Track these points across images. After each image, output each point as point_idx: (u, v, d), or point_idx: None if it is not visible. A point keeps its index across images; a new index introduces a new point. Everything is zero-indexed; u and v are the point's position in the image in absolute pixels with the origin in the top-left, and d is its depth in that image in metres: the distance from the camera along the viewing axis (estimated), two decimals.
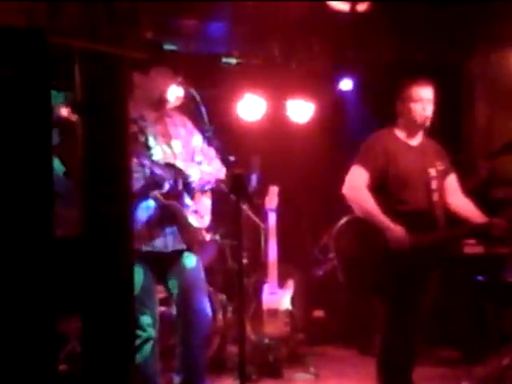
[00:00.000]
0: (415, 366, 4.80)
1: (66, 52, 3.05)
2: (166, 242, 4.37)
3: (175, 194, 4.37)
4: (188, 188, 4.44)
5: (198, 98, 4.38)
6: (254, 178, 6.39)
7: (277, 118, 7.65)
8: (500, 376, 5.30)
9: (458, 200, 4.81)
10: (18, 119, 2.74)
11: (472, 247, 6.22)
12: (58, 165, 4.17)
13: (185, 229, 4.43)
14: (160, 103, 4.48)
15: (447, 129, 4.95)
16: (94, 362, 3.08)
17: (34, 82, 2.77)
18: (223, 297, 6.33)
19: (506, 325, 6.35)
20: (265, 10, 6.15)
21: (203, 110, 4.35)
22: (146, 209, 4.29)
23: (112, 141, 3.13)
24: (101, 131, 3.10)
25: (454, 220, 4.77)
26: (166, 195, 4.32)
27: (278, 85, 7.55)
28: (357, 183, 4.61)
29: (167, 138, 4.49)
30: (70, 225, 3.22)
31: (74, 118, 3.63)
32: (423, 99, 4.67)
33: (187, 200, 4.43)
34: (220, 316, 6.08)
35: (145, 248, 4.29)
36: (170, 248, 4.40)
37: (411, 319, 4.61)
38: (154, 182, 4.28)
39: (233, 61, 7.33)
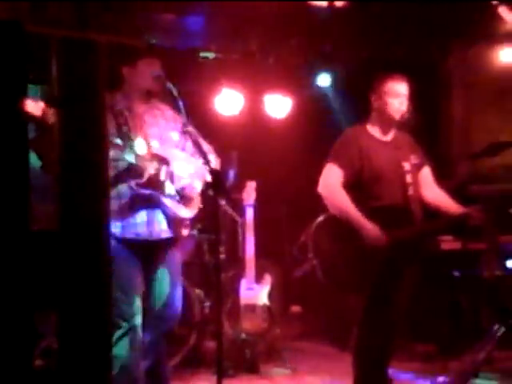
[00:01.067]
0: (391, 361, 4.82)
1: (43, 45, 3.03)
2: (150, 229, 4.36)
3: (156, 184, 4.35)
4: (172, 178, 4.44)
5: (175, 92, 4.37)
6: (231, 173, 6.39)
7: (254, 113, 7.66)
8: (476, 370, 5.32)
9: (433, 192, 4.83)
10: None
11: (449, 243, 6.25)
12: (34, 159, 4.14)
13: (168, 218, 4.43)
14: (148, 95, 4.49)
15: (425, 126, 4.96)
16: (70, 358, 3.06)
17: (11, 74, 2.75)
18: (200, 292, 6.32)
19: (481, 319, 6.39)
20: (243, 4, 6.13)
21: (181, 104, 4.34)
22: (117, 197, 4.29)
23: (89, 134, 3.10)
24: (77, 125, 3.08)
25: (431, 214, 4.79)
26: (146, 184, 4.30)
27: (255, 79, 7.56)
28: (331, 181, 4.62)
29: (155, 129, 4.48)
30: (46, 219, 3.20)
31: (50, 116, 3.63)
32: (399, 94, 4.69)
33: (170, 189, 4.42)
34: (197, 311, 6.07)
35: (128, 235, 4.29)
36: (155, 236, 4.38)
37: (388, 315, 4.63)
38: (132, 172, 4.27)
39: (210, 55, 7.31)
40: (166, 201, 4.39)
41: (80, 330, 3.06)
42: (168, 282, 4.50)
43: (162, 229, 4.40)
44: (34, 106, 3.69)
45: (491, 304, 6.29)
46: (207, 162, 4.10)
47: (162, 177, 4.37)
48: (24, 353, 2.82)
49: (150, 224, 4.36)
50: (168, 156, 4.43)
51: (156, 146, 4.43)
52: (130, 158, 4.24)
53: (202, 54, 7.30)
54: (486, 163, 6.61)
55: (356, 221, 4.51)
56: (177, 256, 4.60)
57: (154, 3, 6.14)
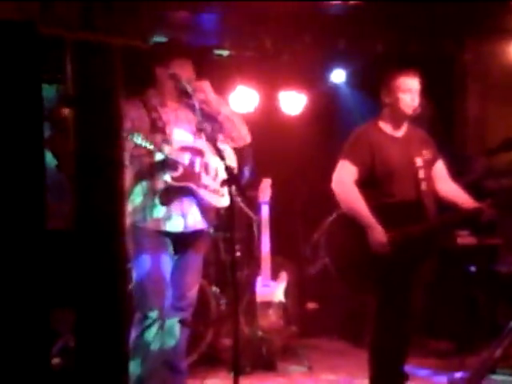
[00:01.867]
0: (408, 358, 4.81)
1: (58, 45, 3.04)
2: (185, 222, 4.44)
3: (192, 176, 4.44)
4: (207, 169, 4.49)
5: (190, 90, 4.38)
6: (246, 171, 6.38)
7: (269, 110, 7.64)
8: (493, 367, 5.30)
9: (446, 186, 4.82)
10: (9, 113, 2.73)
11: (465, 238, 6.23)
12: (49, 158, 4.16)
13: (204, 208, 4.49)
14: (181, 95, 4.54)
15: (440, 122, 4.95)
16: (87, 356, 3.07)
17: (26, 74, 2.76)
18: (216, 289, 6.33)
19: (498, 315, 6.37)
20: (256, 1, 6.13)
21: (196, 102, 4.36)
22: (152, 190, 4.39)
23: (104, 133, 3.11)
24: (93, 124, 3.09)
25: (445, 208, 4.78)
26: (181, 177, 4.40)
27: (270, 76, 7.55)
28: (344, 178, 4.62)
29: (187, 124, 4.56)
30: (62, 218, 3.21)
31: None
32: (411, 89, 4.68)
33: (206, 180, 4.48)
34: (213, 309, 6.07)
35: (163, 228, 4.37)
36: (190, 228, 4.46)
37: (403, 311, 4.62)
38: (167, 165, 4.37)
39: (225, 53, 7.31)
40: (202, 192, 4.45)
41: (97, 328, 3.08)
42: (190, 272, 4.57)
43: (196, 220, 4.48)
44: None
45: (507, 300, 6.27)
46: (223, 159, 4.12)
47: (197, 168, 4.43)
48: (41, 352, 2.83)
49: (185, 216, 4.41)
50: (202, 148, 4.50)
51: (190, 139, 4.51)
52: (165, 151, 4.34)
53: (217, 52, 7.30)
54: (501, 158, 6.58)
55: (365, 221, 4.50)
56: (202, 249, 4.63)
57: (168, 2, 6.16)
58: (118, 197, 3.21)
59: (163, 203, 4.37)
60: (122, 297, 3.23)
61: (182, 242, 4.49)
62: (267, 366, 6.09)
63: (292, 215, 8.12)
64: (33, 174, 2.79)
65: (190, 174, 4.45)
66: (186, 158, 4.44)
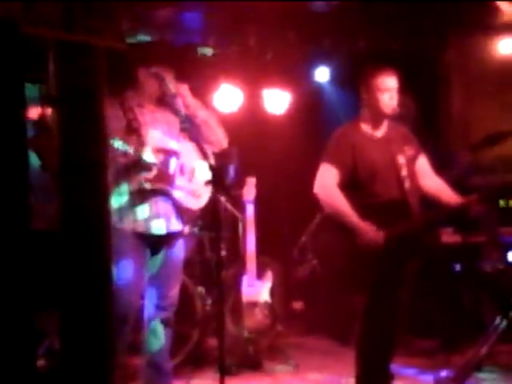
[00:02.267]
0: (394, 357, 4.81)
1: (40, 44, 3.01)
2: (159, 223, 4.42)
3: (166, 177, 4.42)
4: (182, 170, 4.47)
5: (173, 90, 4.38)
6: (231, 170, 6.37)
7: (253, 109, 7.64)
8: (479, 365, 5.32)
9: (430, 181, 4.82)
10: None
11: (449, 236, 6.24)
12: (33, 158, 4.13)
13: (179, 210, 4.48)
14: (160, 98, 4.56)
15: (424, 118, 4.95)
16: (72, 357, 3.06)
17: (8, 74, 2.73)
18: (202, 289, 6.31)
19: (483, 313, 6.38)
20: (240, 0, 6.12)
21: (179, 101, 4.35)
22: (125, 192, 4.37)
23: (88, 133, 3.10)
24: (76, 124, 3.07)
25: (429, 206, 4.78)
26: (155, 179, 4.38)
27: (254, 75, 7.54)
28: (326, 182, 4.61)
29: (165, 125, 4.55)
30: (47, 218, 3.19)
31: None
32: (389, 88, 4.67)
33: (181, 181, 4.47)
34: (199, 309, 6.06)
35: (137, 229, 4.36)
36: (165, 230, 4.45)
37: (389, 310, 4.62)
38: (141, 167, 4.35)
39: (208, 51, 7.30)
40: (176, 193, 4.43)
41: (82, 329, 3.06)
42: (169, 272, 4.56)
43: (171, 222, 4.47)
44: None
45: (493, 297, 6.28)
46: (206, 158, 4.11)
47: (172, 170, 4.42)
48: (26, 353, 2.81)
49: (160, 218, 4.39)
50: (178, 149, 4.50)
51: (166, 140, 4.50)
52: (139, 153, 4.32)
53: (200, 51, 7.28)
54: (485, 154, 6.60)
55: (351, 222, 4.50)
56: (181, 249, 4.62)
57: (151, 1, 6.14)
58: (102, 197, 3.19)
59: (136, 204, 4.35)
60: (107, 297, 3.21)
61: (159, 243, 4.49)
62: (253, 365, 6.08)
63: (277, 214, 8.12)
64: (16, 174, 2.77)
65: (164, 175, 4.43)
66: (160, 160, 4.42)
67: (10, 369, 2.74)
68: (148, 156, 4.35)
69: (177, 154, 4.51)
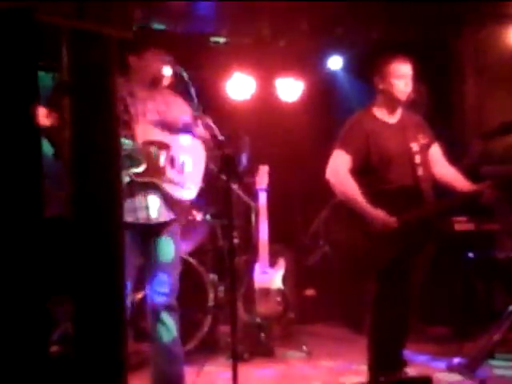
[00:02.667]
0: (406, 343, 4.83)
1: (53, 32, 3.03)
2: (148, 214, 4.40)
3: (156, 170, 4.41)
4: (172, 162, 4.47)
5: (186, 77, 4.37)
6: (244, 158, 6.38)
7: (266, 97, 7.64)
8: (491, 352, 5.32)
9: (443, 169, 4.82)
10: (4, 101, 2.72)
11: (463, 224, 6.23)
12: (46, 146, 4.15)
13: (168, 202, 4.47)
14: (153, 84, 4.53)
15: (438, 107, 4.95)
16: (85, 344, 3.08)
17: (22, 62, 2.75)
18: (214, 277, 6.34)
19: (496, 301, 6.38)
20: None
21: (192, 89, 4.35)
22: None
23: (100, 121, 3.10)
24: (89, 111, 3.08)
25: (443, 194, 4.78)
26: (145, 173, 4.37)
27: (267, 63, 7.53)
28: (339, 168, 4.62)
29: (156, 115, 4.50)
30: (60, 206, 3.21)
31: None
32: (404, 75, 4.68)
33: (171, 173, 4.46)
34: (211, 296, 6.09)
35: (130, 220, 4.33)
36: (154, 221, 4.43)
37: (401, 296, 4.63)
38: (130, 161, 4.32)
39: (221, 40, 7.30)
40: (166, 186, 4.44)
41: (95, 315, 3.08)
42: (162, 259, 4.53)
43: (160, 213, 4.45)
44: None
45: (505, 285, 6.28)
46: (220, 147, 4.10)
47: (162, 162, 4.41)
48: (40, 340, 2.84)
49: (148, 209, 4.40)
50: (169, 141, 4.48)
51: (157, 133, 4.47)
52: (129, 146, 4.30)
53: (213, 39, 7.29)
54: (498, 143, 6.59)
55: (361, 209, 4.51)
56: (174, 238, 4.61)
57: None
58: (115, 184, 3.20)
59: (126, 197, 4.35)
60: (120, 284, 3.23)
61: (148, 232, 4.46)
62: (265, 352, 6.11)
63: (290, 202, 8.13)
64: (29, 162, 2.78)
65: (154, 168, 4.40)
66: (150, 152, 4.39)
67: (23, 355, 2.76)
68: (138, 150, 4.33)
69: (168, 147, 4.47)
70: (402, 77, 4.66)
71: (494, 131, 5.57)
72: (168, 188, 4.46)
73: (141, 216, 4.40)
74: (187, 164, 4.56)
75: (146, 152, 4.38)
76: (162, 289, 4.52)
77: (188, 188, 4.57)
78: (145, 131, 4.42)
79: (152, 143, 4.42)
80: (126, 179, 4.34)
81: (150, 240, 4.50)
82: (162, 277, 4.53)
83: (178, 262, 4.66)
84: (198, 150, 4.66)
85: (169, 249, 4.56)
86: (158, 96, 4.56)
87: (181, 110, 4.59)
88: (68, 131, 3.06)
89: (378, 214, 4.47)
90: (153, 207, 4.43)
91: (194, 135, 4.59)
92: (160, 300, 4.51)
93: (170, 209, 4.50)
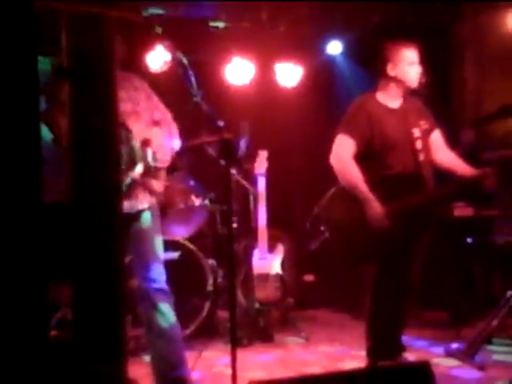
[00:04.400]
0: (404, 329, 4.84)
1: (52, 16, 3.01)
2: (130, 204, 4.35)
3: (147, 170, 4.36)
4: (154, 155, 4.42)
5: (185, 62, 4.35)
6: (243, 143, 6.38)
7: (265, 82, 7.62)
8: (489, 337, 5.34)
9: (444, 155, 4.82)
10: (3, 86, 2.71)
11: (461, 209, 6.23)
12: (45, 132, 4.14)
13: (146, 189, 4.43)
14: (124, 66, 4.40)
15: (437, 92, 4.94)
16: (85, 329, 3.08)
17: (21, 46, 2.74)
18: (213, 262, 6.35)
19: (494, 286, 6.40)
20: None
21: (191, 74, 4.33)
22: None
23: (100, 106, 3.09)
24: (88, 96, 3.07)
25: (443, 180, 4.78)
26: (142, 175, 4.35)
27: (266, 48, 7.51)
28: (343, 153, 4.61)
29: (128, 104, 4.42)
30: (59, 192, 3.21)
31: None
32: (415, 62, 4.67)
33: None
34: (210, 281, 6.09)
35: None
36: (135, 209, 4.39)
37: (399, 282, 4.64)
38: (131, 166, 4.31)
39: (220, 24, 7.28)
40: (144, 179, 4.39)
41: (94, 300, 3.08)
42: (144, 245, 4.49)
43: (139, 200, 4.40)
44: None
45: (504, 270, 6.29)
46: (219, 130, 4.09)
47: (150, 161, 4.37)
48: (39, 324, 2.84)
49: (130, 199, 4.35)
50: (148, 135, 4.40)
51: (144, 129, 4.39)
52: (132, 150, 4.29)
53: (212, 24, 7.26)
54: (499, 127, 6.58)
55: (362, 196, 4.51)
56: (151, 222, 4.55)
57: None
58: (114, 170, 3.20)
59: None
60: (119, 268, 3.23)
61: (128, 221, 4.37)
62: (264, 337, 6.13)
63: (288, 187, 8.13)
64: (28, 148, 2.78)
65: (146, 169, 4.36)
66: (145, 150, 4.36)
67: (22, 340, 2.77)
68: (137, 152, 4.30)
69: (150, 143, 4.40)
70: (413, 63, 4.66)
71: (491, 115, 5.55)
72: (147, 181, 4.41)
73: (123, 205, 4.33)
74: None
75: (142, 151, 4.34)
76: (149, 274, 4.47)
77: (160, 178, 4.47)
78: (138, 130, 4.36)
79: (144, 142, 4.36)
80: (128, 181, 4.31)
81: (127, 228, 4.43)
82: (146, 262, 4.48)
83: (157, 246, 4.58)
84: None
85: (146, 234, 4.50)
86: (125, 83, 4.42)
87: (149, 96, 4.52)
88: (67, 116, 3.05)
89: (376, 209, 4.47)
90: (134, 197, 4.36)
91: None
92: (150, 285, 4.48)
93: (146, 195, 4.45)
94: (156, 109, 4.52)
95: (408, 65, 4.65)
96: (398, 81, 4.68)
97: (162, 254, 4.57)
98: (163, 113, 4.57)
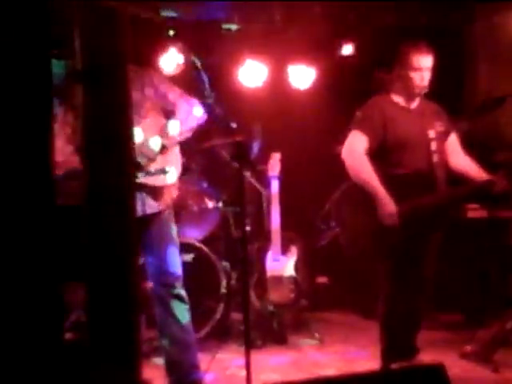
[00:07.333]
0: (419, 330, 4.83)
1: (66, 19, 3.02)
2: (142, 207, 4.35)
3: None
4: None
5: (198, 64, 4.36)
6: (256, 145, 6.38)
7: (278, 84, 7.61)
8: (504, 340, 5.31)
9: (458, 159, 4.81)
10: (18, 89, 2.72)
11: (475, 211, 6.21)
12: None
13: (152, 192, 4.41)
14: None
15: (449, 93, 4.93)
16: (99, 330, 3.09)
17: (35, 49, 2.75)
18: (227, 264, 6.35)
19: (509, 289, 6.37)
20: None
21: (204, 76, 4.33)
22: None
23: (113, 108, 3.10)
24: (102, 98, 3.07)
25: (457, 182, 4.78)
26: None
27: (279, 50, 7.51)
28: (356, 148, 4.61)
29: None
30: (72, 195, 3.22)
31: None
32: (423, 68, 4.65)
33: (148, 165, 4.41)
34: (224, 283, 6.09)
35: None
36: (141, 213, 4.36)
37: (413, 283, 4.63)
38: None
39: (233, 27, 7.28)
40: (144, 180, 4.37)
41: (108, 302, 3.09)
42: (159, 250, 4.50)
43: (147, 205, 4.39)
44: None
45: None
46: (232, 133, 4.08)
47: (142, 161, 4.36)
48: (54, 327, 2.85)
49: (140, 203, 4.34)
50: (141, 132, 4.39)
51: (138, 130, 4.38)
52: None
53: (225, 26, 7.27)
54: (508, 129, 6.56)
55: (375, 192, 4.50)
56: (167, 226, 4.56)
57: None
58: (127, 172, 3.21)
59: None
60: (133, 271, 3.23)
61: (140, 225, 4.30)
62: (278, 339, 6.12)
63: (302, 189, 8.12)
64: (42, 151, 2.79)
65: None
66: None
67: (37, 342, 2.78)
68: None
69: (174, 113, 4.41)
70: (419, 69, 4.64)
71: (477, 109, 5.54)
72: (147, 180, 4.39)
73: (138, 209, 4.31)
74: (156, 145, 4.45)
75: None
76: (166, 279, 4.48)
77: (167, 172, 4.45)
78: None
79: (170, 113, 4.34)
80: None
81: (142, 233, 4.44)
82: (163, 267, 4.48)
83: (173, 249, 4.56)
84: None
85: (161, 239, 4.49)
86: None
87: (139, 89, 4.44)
88: (80, 118, 3.06)
89: (388, 205, 4.46)
90: (140, 200, 4.33)
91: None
92: (166, 290, 4.49)
93: (156, 199, 4.42)
94: (168, 92, 4.46)
95: (413, 70, 4.63)
96: (402, 83, 4.68)
97: (178, 259, 4.58)
98: (174, 91, 4.49)
